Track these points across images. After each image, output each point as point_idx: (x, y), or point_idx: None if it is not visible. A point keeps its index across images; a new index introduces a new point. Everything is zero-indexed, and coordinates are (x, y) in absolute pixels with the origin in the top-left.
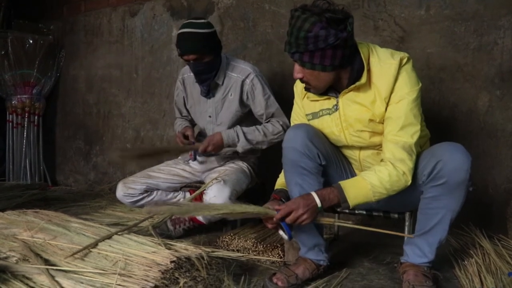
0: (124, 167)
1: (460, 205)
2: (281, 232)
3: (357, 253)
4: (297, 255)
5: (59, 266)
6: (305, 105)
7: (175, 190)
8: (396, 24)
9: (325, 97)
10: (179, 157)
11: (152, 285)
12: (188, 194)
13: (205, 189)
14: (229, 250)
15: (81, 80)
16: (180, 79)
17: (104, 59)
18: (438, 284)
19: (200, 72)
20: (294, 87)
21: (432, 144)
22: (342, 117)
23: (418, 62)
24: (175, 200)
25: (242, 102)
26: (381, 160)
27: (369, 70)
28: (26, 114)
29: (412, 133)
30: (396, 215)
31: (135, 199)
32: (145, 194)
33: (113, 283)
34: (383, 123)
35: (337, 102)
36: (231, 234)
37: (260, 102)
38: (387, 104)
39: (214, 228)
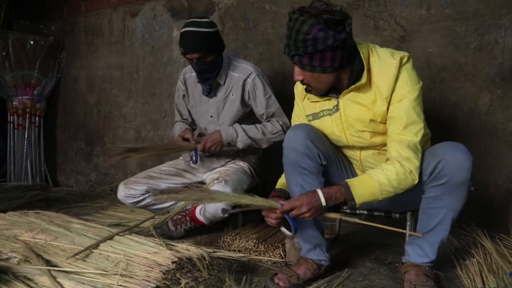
0: (125, 165)
1: (462, 204)
2: (283, 229)
3: (358, 253)
4: (298, 255)
5: (60, 267)
6: (305, 106)
7: None
8: (396, 24)
9: (326, 97)
10: (180, 158)
11: (154, 285)
12: None
13: None
14: (230, 251)
15: (81, 80)
16: (181, 79)
17: (104, 60)
18: (440, 284)
19: (202, 71)
20: (295, 88)
21: (433, 143)
22: (342, 117)
23: (419, 61)
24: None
25: (243, 102)
26: (387, 159)
27: (369, 70)
28: (27, 115)
29: (416, 131)
30: (397, 215)
31: (136, 199)
32: (147, 195)
33: (114, 284)
34: (384, 123)
35: (338, 103)
36: (232, 234)
37: (261, 102)
38: (389, 104)
39: (215, 228)
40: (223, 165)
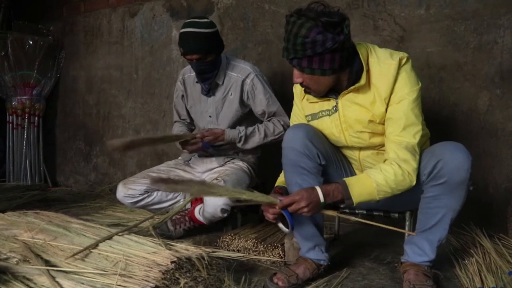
0: (124, 165)
1: (461, 204)
2: (280, 225)
3: (357, 252)
4: (297, 255)
5: (59, 267)
6: (304, 107)
7: None
8: (396, 24)
9: (325, 98)
10: (179, 158)
11: (153, 285)
12: (188, 195)
13: None
14: (229, 250)
15: (81, 81)
16: (180, 79)
17: (104, 60)
18: (439, 283)
19: (202, 71)
20: (294, 88)
21: (432, 143)
22: (341, 118)
23: (418, 61)
24: (175, 200)
25: (242, 102)
26: (385, 160)
27: (368, 71)
28: (26, 115)
29: (414, 133)
30: (396, 215)
31: (135, 199)
32: (146, 195)
33: (113, 284)
34: (383, 124)
35: (337, 103)
36: (232, 234)
37: (261, 102)
38: (387, 105)
39: (215, 228)
40: (222, 165)
